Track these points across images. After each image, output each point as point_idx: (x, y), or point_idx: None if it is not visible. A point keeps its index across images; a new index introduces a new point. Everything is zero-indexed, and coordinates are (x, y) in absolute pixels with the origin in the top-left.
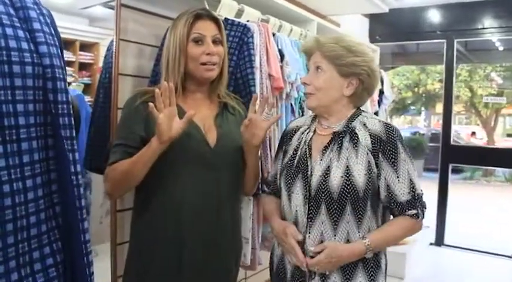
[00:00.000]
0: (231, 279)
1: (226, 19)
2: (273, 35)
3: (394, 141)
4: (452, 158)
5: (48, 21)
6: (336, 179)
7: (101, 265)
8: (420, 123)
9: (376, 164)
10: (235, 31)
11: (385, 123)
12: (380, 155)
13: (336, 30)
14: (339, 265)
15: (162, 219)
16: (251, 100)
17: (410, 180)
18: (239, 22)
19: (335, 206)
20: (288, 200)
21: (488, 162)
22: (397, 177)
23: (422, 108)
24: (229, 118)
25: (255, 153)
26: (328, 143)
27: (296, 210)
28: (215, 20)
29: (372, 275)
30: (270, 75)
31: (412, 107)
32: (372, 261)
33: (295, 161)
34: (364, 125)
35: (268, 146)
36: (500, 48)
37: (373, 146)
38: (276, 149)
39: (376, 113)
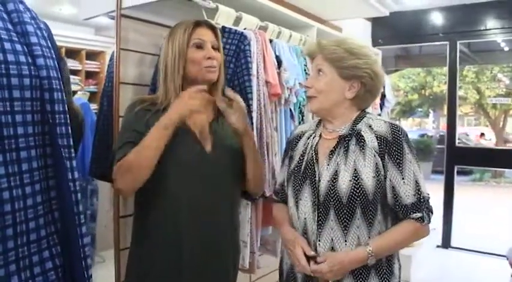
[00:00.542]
0: (229, 281)
1: (223, 27)
2: (270, 41)
3: (400, 141)
4: (457, 160)
5: (45, 34)
6: (344, 183)
7: (108, 271)
8: (429, 125)
9: (382, 165)
10: (232, 39)
11: (391, 123)
12: (386, 156)
13: (337, 35)
14: (344, 272)
15: (161, 223)
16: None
17: (416, 182)
18: (236, 30)
19: (344, 211)
20: (295, 207)
21: (495, 164)
22: (402, 178)
23: (430, 110)
24: (224, 123)
25: (248, 145)
26: (334, 147)
27: (305, 218)
28: (213, 28)
29: (385, 281)
30: (267, 82)
31: (419, 109)
32: (385, 267)
33: (302, 167)
34: (370, 126)
35: (266, 152)
36: (506, 49)
37: (379, 148)
38: (282, 156)
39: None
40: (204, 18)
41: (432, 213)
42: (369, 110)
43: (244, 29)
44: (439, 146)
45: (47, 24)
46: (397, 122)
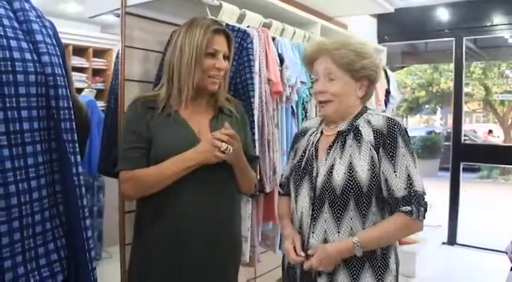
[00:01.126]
0: (230, 278)
1: (226, 25)
2: (273, 39)
3: (394, 135)
4: (463, 157)
5: (51, 32)
6: (339, 176)
7: (115, 266)
8: (436, 122)
9: (378, 158)
10: (235, 37)
11: (389, 117)
12: (380, 149)
13: (341, 32)
14: (334, 263)
15: (160, 219)
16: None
17: (409, 175)
18: (239, 28)
19: (338, 203)
20: (295, 202)
21: (501, 160)
22: (394, 171)
23: (437, 107)
24: (224, 120)
25: (237, 165)
26: (332, 142)
27: (302, 212)
28: (228, 36)
29: (379, 275)
30: (269, 80)
31: (426, 106)
32: (380, 261)
33: (303, 163)
34: (369, 121)
35: (267, 148)
36: None
37: (375, 141)
38: (289, 150)
39: None
40: (208, 16)
41: (425, 209)
42: (373, 106)
43: (248, 26)
44: (446, 143)
45: (52, 23)
46: (396, 117)
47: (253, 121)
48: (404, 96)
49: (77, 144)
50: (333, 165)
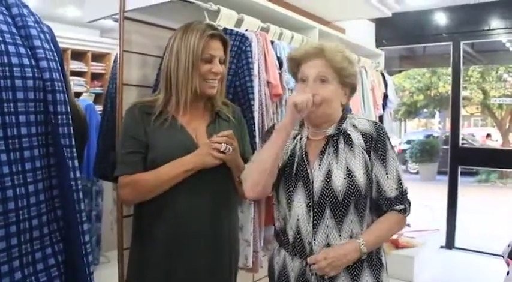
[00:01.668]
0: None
1: (224, 29)
2: (272, 42)
3: (383, 139)
4: (461, 161)
5: (49, 38)
6: (339, 181)
7: (113, 270)
8: (435, 126)
9: (369, 161)
10: (233, 40)
11: (374, 122)
12: (372, 153)
13: (339, 36)
14: (341, 265)
15: (158, 224)
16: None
17: (398, 176)
18: (237, 31)
19: (340, 208)
20: (288, 209)
21: (499, 164)
22: (386, 173)
23: (436, 111)
24: (221, 126)
25: (235, 167)
26: (323, 147)
27: (298, 219)
28: (224, 40)
29: (376, 273)
30: (268, 83)
31: (425, 110)
32: (375, 260)
33: (294, 169)
34: (354, 125)
35: None
36: (511, 49)
37: (366, 145)
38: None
39: (380, 117)
40: (206, 21)
41: (410, 205)
42: (371, 110)
43: (246, 30)
44: (445, 147)
45: (50, 28)
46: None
47: (254, 124)
48: (403, 100)
49: (74, 149)
50: (329, 170)
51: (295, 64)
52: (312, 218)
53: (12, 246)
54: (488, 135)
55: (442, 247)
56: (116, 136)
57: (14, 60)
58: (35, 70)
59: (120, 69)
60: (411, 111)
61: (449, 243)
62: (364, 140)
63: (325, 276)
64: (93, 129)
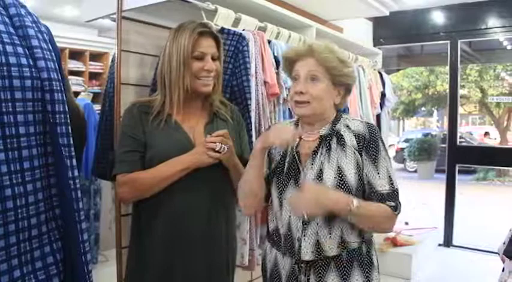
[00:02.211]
0: (226, 279)
1: (222, 28)
2: (269, 42)
3: (376, 139)
4: (459, 159)
5: (46, 37)
6: (329, 180)
7: (111, 269)
8: (433, 125)
9: (361, 161)
10: (230, 40)
11: (367, 123)
12: (363, 153)
13: (337, 35)
14: (323, 203)
15: (156, 222)
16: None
17: (389, 176)
18: (235, 31)
19: None
20: (279, 207)
21: (497, 162)
22: (378, 173)
23: (433, 109)
24: (219, 126)
25: (232, 166)
26: (316, 147)
27: (289, 216)
28: (215, 37)
29: (366, 272)
30: (265, 82)
31: (423, 108)
32: (366, 259)
33: (285, 168)
34: (348, 126)
35: None
36: (509, 47)
37: (358, 145)
38: None
39: (378, 116)
40: (204, 20)
41: (401, 205)
42: (369, 109)
43: (243, 30)
44: (443, 145)
45: (48, 28)
46: (372, 122)
47: (251, 123)
48: (401, 98)
49: (72, 148)
50: (321, 169)
51: (289, 63)
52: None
53: (11, 244)
54: (487, 134)
55: (440, 245)
56: (114, 135)
57: (12, 60)
58: (33, 70)
59: (118, 69)
60: (409, 109)
61: (447, 241)
62: (357, 141)
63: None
64: (91, 128)
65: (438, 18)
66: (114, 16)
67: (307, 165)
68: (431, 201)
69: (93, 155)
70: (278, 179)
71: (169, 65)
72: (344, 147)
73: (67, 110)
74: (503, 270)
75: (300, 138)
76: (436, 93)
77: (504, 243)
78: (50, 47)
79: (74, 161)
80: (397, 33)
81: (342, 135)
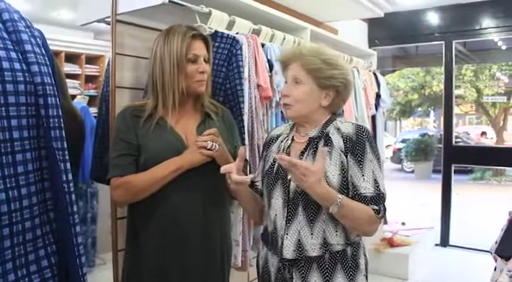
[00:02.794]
0: (221, 280)
1: (216, 32)
2: (263, 45)
3: (363, 141)
4: (455, 159)
5: (40, 42)
6: None
7: (108, 272)
8: (430, 125)
9: (346, 162)
10: (224, 43)
11: (357, 125)
12: (349, 154)
13: (331, 37)
14: (311, 181)
15: (151, 224)
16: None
17: (375, 180)
18: (228, 34)
19: (311, 206)
20: (268, 206)
21: (492, 162)
22: (362, 175)
23: (430, 110)
24: (211, 125)
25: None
26: (304, 148)
27: (275, 214)
28: (205, 40)
29: (350, 275)
30: (258, 85)
31: (419, 109)
32: (350, 262)
33: (275, 169)
34: (338, 129)
35: (256, 153)
36: (503, 48)
37: (345, 147)
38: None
39: (373, 117)
40: (197, 23)
41: (385, 211)
42: (363, 110)
43: (237, 33)
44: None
45: (42, 32)
46: (364, 125)
47: (243, 126)
48: (397, 99)
49: (66, 152)
50: None
51: (283, 67)
52: (286, 213)
53: (5, 248)
54: (483, 133)
55: (436, 245)
56: (110, 138)
57: (5, 64)
58: (26, 74)
59: (113, 72)
60: (406, 110)
61: (444, 241)
62: (344, 142)
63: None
64: (87, 132)
65: (432, 19)
66: (109, 20)
67: None
68: (428, 201)
69: (90, 158)
70: (268, 179)
71: (162, 68)
72: (330, 149)
73: (61, 114)
74: (495, 269)
75: (292, 139)
76: (432, 93)
77: (496, 242)
78: (43, 52)
79: (68, 164)
80: (392, 34)
81: (330, 138)
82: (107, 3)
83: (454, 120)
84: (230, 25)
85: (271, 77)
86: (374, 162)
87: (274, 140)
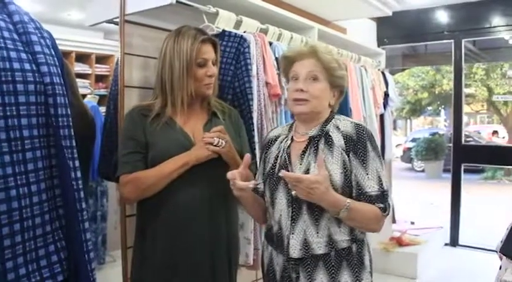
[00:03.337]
0: (229, 278)
1: (223, 31)
2: (270, 44)
3: (364, 140)
4: (464, 158)
5: (49, 43)
6: None
7: (119, 269)
8: (441, 124)
9: (349, 161)
10: (232, 42)
11: (356, 123)
12: (351, 154)
13: (339, 36)
14: (316, 194)
15: (159, 221)
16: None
17: (379, 177)
18: (236, 33)
19: (315, 205)
20: (271, 207)
21: (503, 161)
22: (367, 174)
23: (440, 108)
24: (217, 123)
25: (231, 161)
26: (305, 147)
27: (280, 215)
28: (213, 42)
29: (356, 272)
30: (267, 83)
31: (429, 108)
32: (356, 259)
33: (276, 169)
34: (337, 127)
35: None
36: None
37: (346, 146)
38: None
39: (381, 116)
40: (205, 23)
41: (390, 207)
42: (372, 109)
43: (244, 32)
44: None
45: (51, 33)
46: (362, 123)
47: (252, 124)
48: (407, 98)
49: (75, 150)
50: (308, 169)
51: (289, 63)
52: (291, 213)
53: (16, 243)
54: (495, 132)
55: (446, 244)
56: (119, 137)
57: (16, 65)
58: (36, 75)
59: (122, 72)
60: (416, 109)
61: (453, 241)
62: (344, 141)
63: (299, 265)
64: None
65: (441, 17)
66: (117, 20)
67: (296, 166)
68: (439, 200)
69: (99, 157)
70: (270, 180)
71: (171, 71)
72: (331, 147)
73: (69, 113)
74: (500, 268)
75: (292, 139)
76: (442, 92)
77: (501, 241)
78: (53, 52)
79: (77, 162)
80: (400, 32)
81: (330, 136)
82: (115, 4)
83: (465, 119)
84: (237, 25)
85: (279, 74)
86: (376, 160)
87: (273, 142)
